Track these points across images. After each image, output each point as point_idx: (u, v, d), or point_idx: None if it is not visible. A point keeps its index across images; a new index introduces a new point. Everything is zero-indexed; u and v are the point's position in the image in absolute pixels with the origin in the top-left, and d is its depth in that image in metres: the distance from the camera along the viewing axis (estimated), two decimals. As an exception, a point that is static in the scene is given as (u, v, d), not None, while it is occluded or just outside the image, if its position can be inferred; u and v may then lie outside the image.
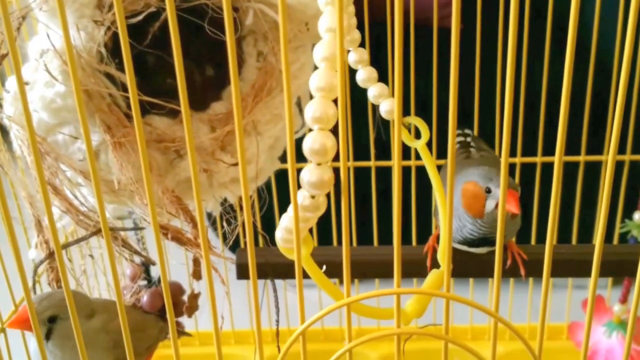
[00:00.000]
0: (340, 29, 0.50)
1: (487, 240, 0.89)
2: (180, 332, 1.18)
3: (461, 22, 1.33)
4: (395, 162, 0.54)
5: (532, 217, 1.45)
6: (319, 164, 0.57)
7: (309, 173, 0.57)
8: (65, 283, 0.62)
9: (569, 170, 1.38)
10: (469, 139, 1.09)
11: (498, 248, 0.59)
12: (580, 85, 1.32)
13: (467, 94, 1.31)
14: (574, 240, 1.51)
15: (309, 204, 0.59)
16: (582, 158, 1.40)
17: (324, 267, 0.68)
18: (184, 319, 1.23)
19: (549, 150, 1.41)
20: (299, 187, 0.59)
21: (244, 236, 1.37)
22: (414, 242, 1.43)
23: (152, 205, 0.58)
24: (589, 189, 1.42)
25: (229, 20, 0.51)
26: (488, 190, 0.87)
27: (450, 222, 0.57)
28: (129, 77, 0.53)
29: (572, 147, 1.39)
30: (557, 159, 0.55)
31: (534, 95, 1.35)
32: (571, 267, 0.89)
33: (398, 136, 0.54)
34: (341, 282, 0.66)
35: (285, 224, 0.62)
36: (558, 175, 0.56)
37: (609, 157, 0.56)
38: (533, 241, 1.50)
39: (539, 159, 1.41)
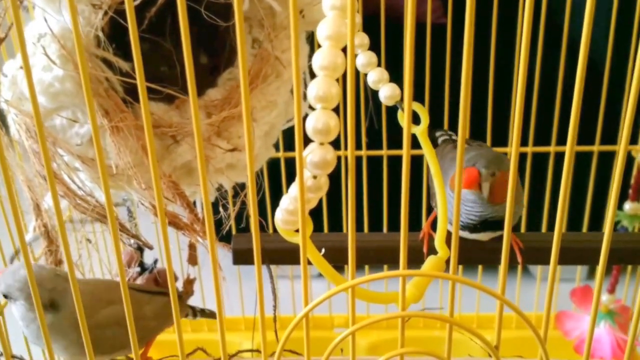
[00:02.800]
0: (351, 10, 0.50)
1: (488, 223, 0.89)
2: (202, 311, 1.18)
3: (444, 17, 1.33)
4: (405, 150, 0.54)
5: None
6: (321, 144, 0.57)
7: (312, 153, 0.57)
8: (69, 265, 0.62)
9: (561, 160, 1.39)
10: (454, 137, 1.09)
11: (506, 231, 0.59)
12: (571, 77, 1.32)
13: (456, 89, 1.31)
14: (563, 229, 1.52)
15: (311, 185, 0.59)
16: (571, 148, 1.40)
17: (323, 250, 0.68)
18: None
19: (540, 140, 1.43)
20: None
21: (236, 224, 1.37)
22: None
23: (158, 189, 0.58)
24: (579, 178, 1.43)
25: (239, 7, 0.51)
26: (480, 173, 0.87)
27: (458, 208, 0.57)
28: (137, 63, 0.53)
29: (564, 137, 1.40)
30: (568, 149, 0.56)
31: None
32: (571, 255, 0.90)
33: (408, 124, 0.54)
34: (337, 268, 0.66)
35: (285, 205, 0.62)
36: (569, 166, 0.57)
37: (621, 148, 0.56)
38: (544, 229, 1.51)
39: (530, 149, 1.42)
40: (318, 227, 1.51)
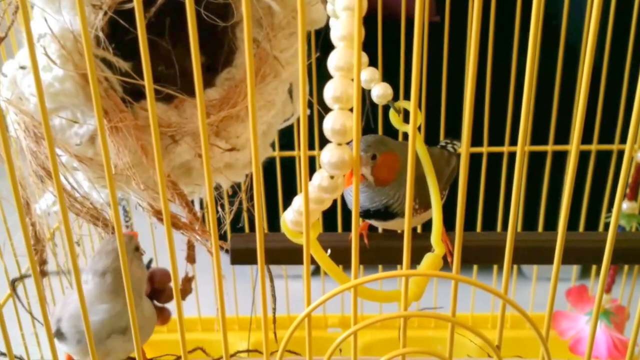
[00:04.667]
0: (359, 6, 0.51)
1: (389, 211, 0.91)
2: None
3: (437, 15, 1.33)
4: (410, 151, 0.54)
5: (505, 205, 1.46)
6: (339, 144, 0.57)
7: (329, 153, 0.57)
8: (73, 262, 0.62)
9: (558, 159, 1.40)
10: (453, 148, 1.09)
11: (510, 230, 0.59)
12: (568, 76, 1.33)
13: (456, 87, 1.32)
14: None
15: (327, 185, 0.59)
16: (572, 147, 1.41)
17: (329, 251, 0.68)
18: (170, 304, 1.23)
19: (537, 139, 1.43)
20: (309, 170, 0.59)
21: (234, 223, 1.37)
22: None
23: (163, 190, 0.58)
24: (576, 177, 1.43)
25: (247, 8, 0.51)
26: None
27: (463, 207, 0.58)
28: (144, 63, 0.54)
29: (561, 137, 1.41)
30: (574, 147, 0.56)
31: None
32: (570, 255, 0.90)
33: (413, 126, 0.54)
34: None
35: (297, 205, 0.62)
36: (573, 166, 0.57)
37: (627, 148, 0.56)
38: (541, 229, 1.51)
39: (527, 148, 1.42)
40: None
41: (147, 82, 0.54)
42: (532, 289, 1.62)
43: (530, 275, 1.84)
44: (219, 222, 0.93)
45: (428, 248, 0.80)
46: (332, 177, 0.59)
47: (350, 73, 0.56)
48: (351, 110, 0.56)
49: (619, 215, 0.60)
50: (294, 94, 1.04)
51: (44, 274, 0.97)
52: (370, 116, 1.26)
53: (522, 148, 0.54)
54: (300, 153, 0.56)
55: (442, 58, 1.30)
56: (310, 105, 1.06)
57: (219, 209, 0.96)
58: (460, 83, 1.32)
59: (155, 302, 1.33)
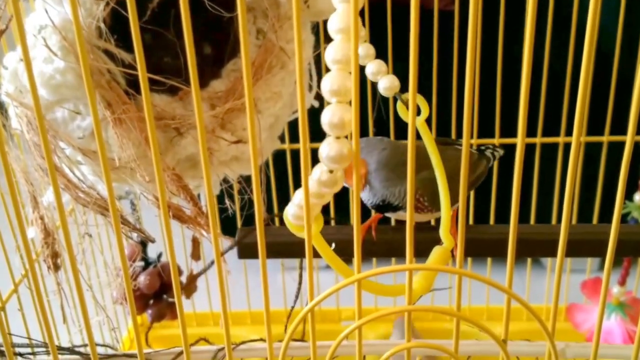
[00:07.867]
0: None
1: (391, 205, 0.89)
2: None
3: (452, 4, 1.31)
4: (410, 141, 0.53)
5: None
6: (337, 138, 0.56)
7: (328, 147, 0.57)
8: (71, 258, 0.61)
9: (567, 153, 1.38)
10: (493, 155, 1.08)
11: (513, 222, 0.58)
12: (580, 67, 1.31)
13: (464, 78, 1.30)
14: (573, 221, 1.51)
15: (326, 179, 0.58)
16: (582, 139, 1.39)
17: (333, 244, 0.67)
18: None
19: (549, 130, 1.42)
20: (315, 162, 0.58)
21: (241, 217, 1.36)
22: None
23: (160, 182, 0.57)
24: (588, 169, 1.42)
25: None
26: None
27: (465, 199, 0.56)
28: (138, 55, 0.53)
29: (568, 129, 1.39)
30: (575, 139, 0.55)
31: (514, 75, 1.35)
32: (580, 247, 0.89)
33: (412, 116, 0.53)
34: (347, 261, 0.66)
35: (298, 200, 0.61)
36: (575, 157, 0.55)
37: (627, 138, 0.55)
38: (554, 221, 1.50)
39: (538, 140, 1.41)
40: (325, 221, 1.51)
41: (141, 73, 0.53)
42: (546, 280, 1.60)
43: (547, 265, 1.83)
44: (227, 216, 0.92)
45: (438, 241, 0.79)
46: (331, 172, 0.58)
47: (348, 66, 0.55)
48: (350, 103, 0.55)
49: (621, 208, 0.58)
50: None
51: (57, 267, 0.96)
52: (382, 107, 1.25)
53: (522, 139, 0.53)
54: (301, 146, 0.55)
55: (462, 49, 1.29)
56: (319, 97, 1.05)
57: (227, 201, 0.95)
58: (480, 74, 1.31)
59: (166, 297, 1.33)
